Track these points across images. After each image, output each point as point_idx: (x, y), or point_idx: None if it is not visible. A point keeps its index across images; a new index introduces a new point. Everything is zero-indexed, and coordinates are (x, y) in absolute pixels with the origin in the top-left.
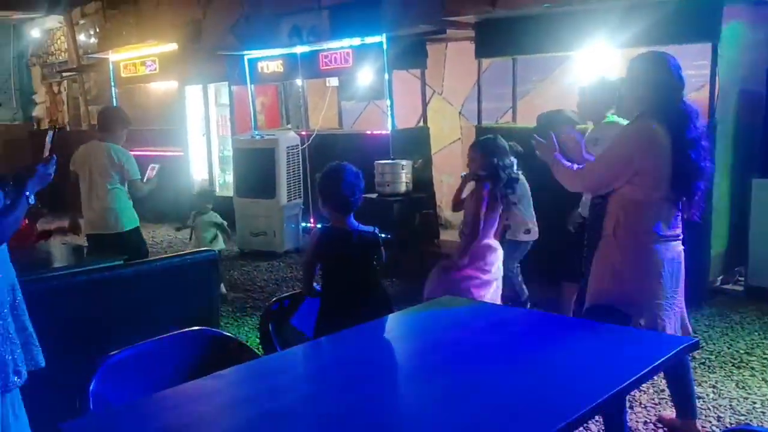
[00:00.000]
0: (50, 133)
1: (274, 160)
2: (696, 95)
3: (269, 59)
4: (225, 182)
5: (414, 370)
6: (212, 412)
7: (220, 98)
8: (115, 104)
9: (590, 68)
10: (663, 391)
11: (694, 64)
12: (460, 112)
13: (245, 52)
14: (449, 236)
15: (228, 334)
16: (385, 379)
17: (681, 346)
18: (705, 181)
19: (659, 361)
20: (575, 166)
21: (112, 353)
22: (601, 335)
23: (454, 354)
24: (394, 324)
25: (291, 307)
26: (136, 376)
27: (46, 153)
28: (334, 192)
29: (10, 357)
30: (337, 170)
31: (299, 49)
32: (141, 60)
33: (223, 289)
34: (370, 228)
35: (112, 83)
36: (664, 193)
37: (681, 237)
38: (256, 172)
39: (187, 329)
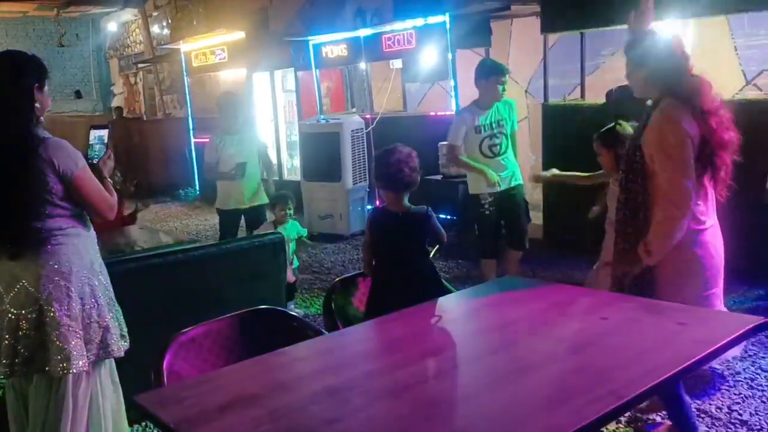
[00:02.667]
0: (106, 131)
1: (339, 143)
2: None
3: (333, 43)
4: (293, 167)
5: (470, 349)
6: (277, 386)
7: (286, 84)
8: (187, 93)
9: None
10: (739, 373)
11: None
12: (526, 90)
13: (310, 38)
14: None
15: (292, 312)
16: (441, 357)
17: (751, 326)
18: (729, 154)
19: (726, 341)
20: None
21: (184, 330)
22: (666, 314)
23: (511, 333)
24: (453, 303)
25: (353, 287)
26: (206, 353)
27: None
28: (384, 172)
29: (116, 322)
30: (388, 151)
31: (362, 32)
32: (210, 49)
33: (290, 276)
34: (422, 208)
35: (184, 73)
36: (697, 175)
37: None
38: (322, 156)
39: (252, 308)
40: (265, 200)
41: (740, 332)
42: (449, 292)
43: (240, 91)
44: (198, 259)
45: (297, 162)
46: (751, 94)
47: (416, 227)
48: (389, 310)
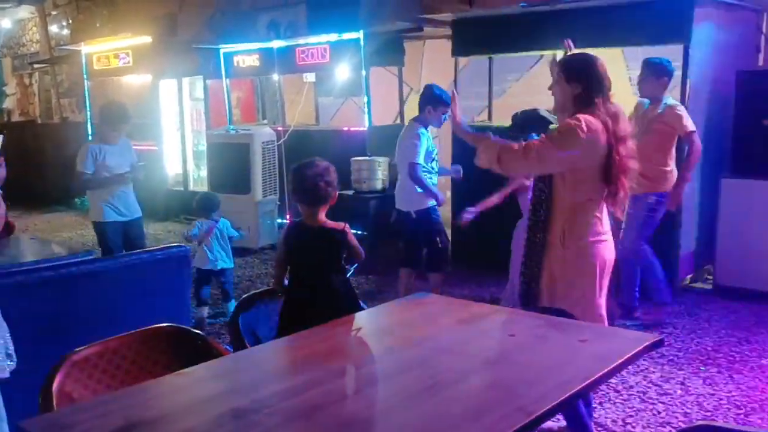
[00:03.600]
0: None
1: (249, 155)
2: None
3: (245, 53)
4: (199, 177)
5: (383, 367)
6: (180, 409)
7: (194, 92)
8: (87, 97)
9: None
10: (632, 387)
11: None
12: None
13: (221, 46)
14: None
15: (197, 331)
16: (355, 375)
17: (647, 343)
18: (629, 180)
19: (625, 358)
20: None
21: (77, 350)
22: (569, 332)
23: (423, 350)
24: (366, 320)
25: (261, 304)
26: (101, 374)
27: None
28: (300, 186)
29: (1, 340)
30: (305, 164)
31: (276, 44)
32: (114, 53)
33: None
34: (340, 224)
35: (85, 76)
36: (598, 192)
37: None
38: (231, 167)
39: (153, 326)
40: (140, 213)
41: (639, 349)
42: (363, 309)
43: (144, 97)
44: (94, 273)
45: (204, 173)
46: None
47: (333, 243)
48: (301, 328)
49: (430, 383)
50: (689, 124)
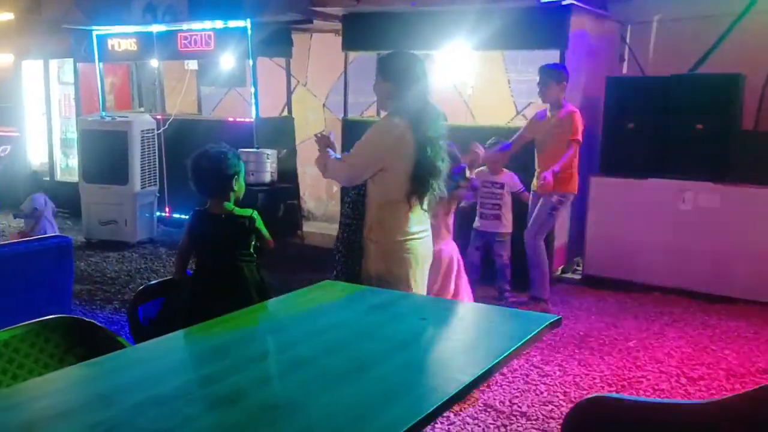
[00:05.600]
0: None
1: (126, 143)
2: None
3: (121, 36)
4: (68, 166)
5: (303, 351)
6: (82, 404)
7: (63, 75)
8: None
9: (450, 68)
10: (516, 370)
11: None
12: (324, 104)
13: (94, 27)
14: (312, 227)
15: (96, 322)
16: (275, 361)
17: (547, 323)
18: (439, 180)
19: (530, 336)
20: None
21: None
22: (477, 314)
23: (341, 335)
24: (277, 307)
25: (159, 295)
26: None
27: None
28: (197, 178)
29: None
30: (198, 155)
31: (156, 28)
32: None
33: None
34: (248, 211)
35: None
36: (408, 191)
37: (428, 230)
38: (107, 156)
39: (48, 317)
40: None
41: (542, 327)
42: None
43: (5, 78)
44: None
45: (73, 162)
46: (521, 122)
47: (241, 230)
48: (209, 318)
49: (352, 366)
50: (579, 134)
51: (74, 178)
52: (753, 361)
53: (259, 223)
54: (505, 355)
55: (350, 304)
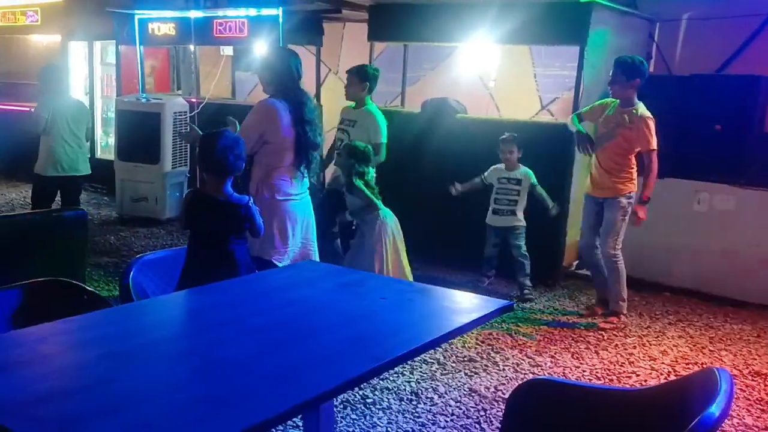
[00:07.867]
0: None
1: (159, 124)
2: (568, 95)
3: (161, 21)
4: (107, 145)
5: (259, 321)
6: (56, 351)
7: (106, 57)
8: None
9: (474, 61)
10: (508, 359)
11: (569, 65)
12: None
13: (136, 11)
14: None
15: (84, 285)
16: (236, 327)
17: (498, 307)
18: (318, 153)
19: (474, 318)
20: None
21: None
22: (436, 297)
23: (297, 309)
24: (252, 282)
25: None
26: None
27: None
28: (208, 156)
29: None
30: (214, 135)
31: (193, 14)
32: (21, 9)
33: None
34: (244, 198)
35: None
36: (289, 161)
37: (305, 194)
38: (140, 136)
39: (38, 279)
40: (85, 172)
41: (491, 310)
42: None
43: (52, 59)
44: None
45: (112, 140)
46: (545, 118)
47: (235, 216)
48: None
49: (299, 334)
50: (654, 141)
51: (113, 156)
52: (748, 364)
53: (255, 210)
54: (441, 335)
55: (319, 282)
